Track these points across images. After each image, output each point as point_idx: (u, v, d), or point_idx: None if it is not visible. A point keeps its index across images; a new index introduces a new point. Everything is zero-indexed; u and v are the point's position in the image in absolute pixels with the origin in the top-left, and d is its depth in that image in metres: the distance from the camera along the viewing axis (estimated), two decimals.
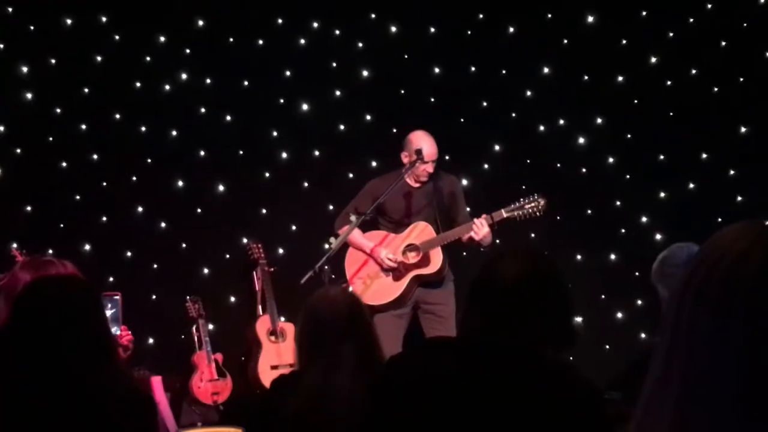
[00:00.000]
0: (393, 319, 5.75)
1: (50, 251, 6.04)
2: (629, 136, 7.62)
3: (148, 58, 7.24)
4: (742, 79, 7.60)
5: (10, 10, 7.00)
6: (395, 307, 5.77)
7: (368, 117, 7.40)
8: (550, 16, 7.57)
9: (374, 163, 7.24)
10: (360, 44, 7.52)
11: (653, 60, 7.63)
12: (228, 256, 7.29)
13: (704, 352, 1.15)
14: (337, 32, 7.49)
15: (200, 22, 7.33)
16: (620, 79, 7.63)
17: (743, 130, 7.62)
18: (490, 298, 2.37)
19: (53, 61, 7.09)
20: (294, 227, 7.37)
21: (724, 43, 7.61)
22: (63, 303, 2.42)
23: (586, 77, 7.62)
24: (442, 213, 5.82)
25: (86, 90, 7.13)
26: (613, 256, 7.57)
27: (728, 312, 1.14)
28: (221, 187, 7.33)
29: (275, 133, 7.43)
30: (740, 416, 1.13)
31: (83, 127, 7.14)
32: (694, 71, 7.64)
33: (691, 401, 1.15)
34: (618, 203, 7.64)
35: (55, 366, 2.37)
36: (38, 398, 2.35)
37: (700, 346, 1.15)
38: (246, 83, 7.38)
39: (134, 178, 7.19)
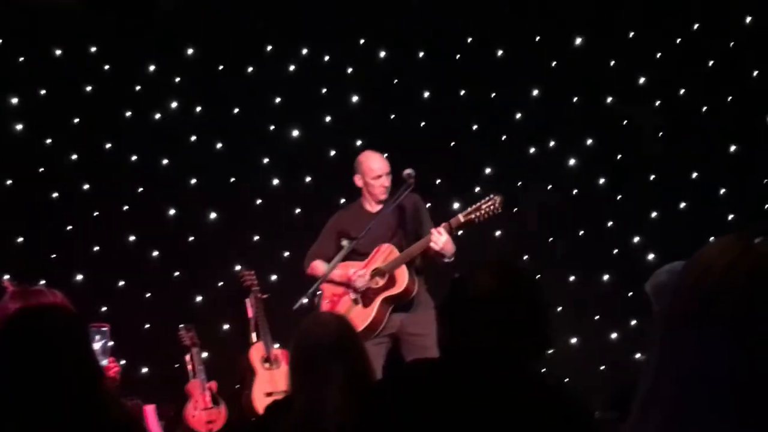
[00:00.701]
0: (371, 347, 5.56)
1: (42, 282, 6.01)
2: (619, 156, 7.64)
3: (137, 87, 7.24)
4: (730, 98, 7.63)
5: (0, 41, 7.01)
6: (369, 334, 5.55)
7: (359, 142, 7.40)
8: (538, 38, 7.60)
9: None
10: (349, 69, 7.54)
11: (642, 80, 7.66)
12: (221, 283, 7.27)
13: (694, 365, 1.14)
14: (327, 58, 7.51)
15: (189, 51, 7.35)
16: (609, 99, 7.66)
17: (733, 148, 7.65)
18: (465, 311, 2.36)
19: (43, 91, 7.10)
20: (287, 253, 7.35)
21: (711, 63, 7.65)
22: (48, 332, 2.40)
23: (575, 98, 7.64)
24: (408, 234, 5.71)
25: (76, 120, 7.14)
26: (606, 277, 7.57)
27: (716, 324, 1.13)
28: (213, 215, 7.32)
29: (266, 160, 7.44)
30: (731, 429, 1.12)
31: (74, 157, 7.15)
32: (682, 91, 7.67)
33: (681, 415, 1.14)
34: (610, 224, 7.65)
35: (41, 395, 2.35)
36: (25, 428, 2.33)
37: (689, 358, 1.15)
38: (236, 110, 7.39)
39: (125, 207, 7.18)
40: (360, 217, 5.77)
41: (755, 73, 7.64)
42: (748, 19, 7.61)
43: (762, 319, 1.12)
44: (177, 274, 7.23)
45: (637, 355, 7.20)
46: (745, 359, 1.12)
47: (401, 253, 5.61)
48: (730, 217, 7.53)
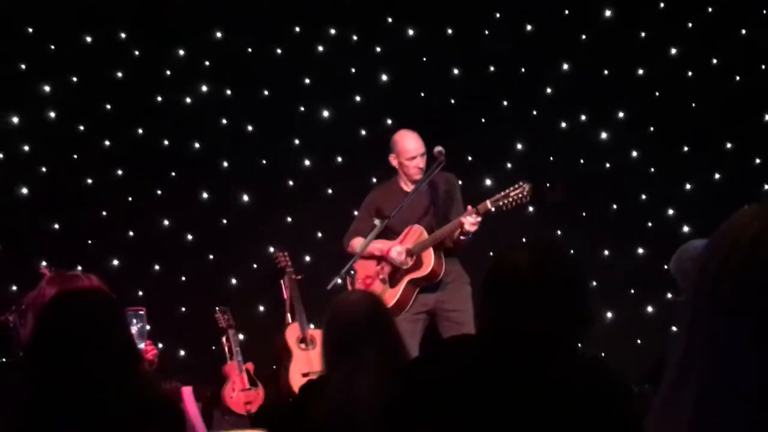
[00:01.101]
0: (407, 324, 5.58)
1: (79, 268, 6.07)
2: (652, 129, 7.58)
3: (168, 72, 7.28)
4: (764, 67, 7.54)
5: (30, 30, 7.06)
6: (395, 315, 5.42)
7: (389, 121, 7.39)
8: (567, 12, 7.54)
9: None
10: (378, 49, 7.52)
11: (673, 51, 7.59)
12: (255, 265, 7.31)
13: (724, 344, 1.12)
14: (355, 38, 7.50)
15: (218, 34, 7.36)
16: (641, 72, 7.59)
17: (767, 117, 7.56)
18: (505, 290, 2.36)
19: (74, 78, 7.15)
20: (319, 234, 7.38)
21: (744, 32, 7.56)
22: (85, 315, 2.43)
23: (606, 72, 7.58)
24: (438, 214, 5.71)
25: (108, 106, 7.18)
26: (640, 250, 7.53)
27: (747, 298, 1.10)
28: (245, 197, 7.35)
29: (297, 141, 7.45)
30: (762, 412, 1.10)
31: (106, 143, 7.19)
32: (715, 61, 7.59)
33: (711, 397, 1.12)
34: (643, 197, 7.60)
35: (80, 379, 2.37)
36: (64, 412, 2.36)
37: (718, 337, 1.12)
38: (266, 92, 7.41)
39: (159, 192, 7.23)
40: (396, 195, 5.77)
41: None
42: None
43: None
44: (211, 257, 7.28)
45: (674, 328, 7.16)
46: None
47: (430, 235, 5.63)
48: (766, 187, 7.45)
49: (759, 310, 1.09)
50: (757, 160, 7.57)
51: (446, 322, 5.67)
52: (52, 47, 7.11)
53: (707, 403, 1.12)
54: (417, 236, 5.70)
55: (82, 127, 7.15)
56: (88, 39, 7.17)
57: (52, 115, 7.11)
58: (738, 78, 7.56)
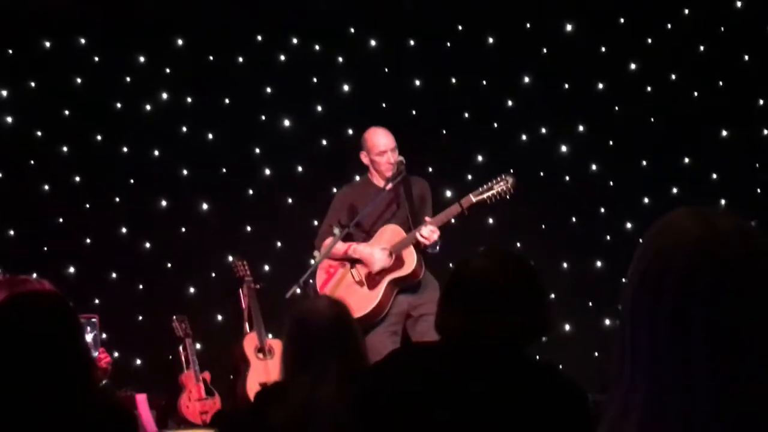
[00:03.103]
0: (390, 338, 5.51)
1: (34, 275, 6.00)
2: (611, 143, 7.65)
3: (128, 79, 7.23)
4: (721, 83, 7.63)
5: None
6: (375, 317, 5.51)
7: (350, 131, 7.39)
8: (528, 25, 7.59)
9: (357, 177, 7.21)
10: (340, 59, 7.53)
11: (633, 66, 7.66)
12: (213, 274, 7.27)
13: (669, 342, 1.14)
14: (317, 47, 7.50)
15: (179, 41, 7.33)
16: (600, 86, 7.66)
17: (724, 133, 7.65)
18: (463, 296, 2.38)
19: (33, 84, 7.09)
20: (279, 243, 7.36)
21: (702, 48, 7.65)
22: (36, 318, 2.39)
23: (566, 85, 7.64)
24: (414, 216, 5.62)
25: (67, 112, 7.12)
26: (599, 263, 7.58)
27: (691, 300, 1.13)
28: (205, 206, 7.32)
29: (257, 150, 7.43)
30: (710, 405, 1.11)
31: (65, 149, 7.14)
32: (673, 76, 7.67)
33: (658, 399, 1.14)
34: (602, 210, 7.66)
35: (30, 383, 2.34)
36: (12, 418, 2.32)
37: (664, 336, 1.14)
38: (227, 101, 7.38)
39: (117, 199, 7.17)
40: (369, 192, 5.66)
41: (746, 57, 7.63)
42: (738, 4, 7.60)
43: (737, 297, 1.12)
44: (169, 265, 7.23)
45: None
46: (722, 341, 1.12)
47: (408, 234, 5.53)
48: (722, 202, 7.53)
49: (702, 321, 1.12)
50: (714, 176, 7.65)
51: (417, 326, 5.55)
52: (10, 52, 7.04)
53: (650, 426, 1.13)
54: (392, 234, 5.60)
55: (39, 133, 7.09)
56: (47, 44, 7.11)
57: (9, 120, 7.03)
58: (696, 94, 7.65)
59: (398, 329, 5.62)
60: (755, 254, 1.15)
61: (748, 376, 1.11)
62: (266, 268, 7.27)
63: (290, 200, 7.42)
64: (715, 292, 1.12)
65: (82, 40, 7.18)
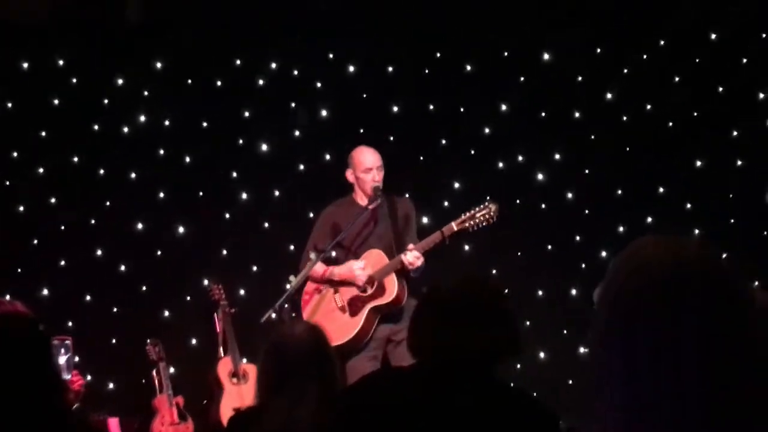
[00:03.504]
0: (370, 363, 5.49)
1: (7, 297, 5.96)
2: (587, 171, 7.69)
3: (106, 101, 7.22)
4: (695, 114, 7.70)
5: None
6: (356, 345, 5.50)
7: (327, 156, 7.41)
8: (506, 53, 7.64)
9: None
10: (319, 84, 7.55)
11: (609, 96, 7.72)
12: (188, 298, 7.24)
13: (645, 368, 1.16)
14: (296, 72, 7.52)
15: (158, 64, 7.33)
16: (577, 115, 7.71)
17: (698, 163, 7.71)
18: (433, 315, 2.43)
19: (10, 104, 7.06)
20: (255, 268, 7.34)
21: (677, 79, 7.72)
22: (6, 340, 2.37)
23: (543, 113, 7.68)
24: (398, 236, 5.59)
25: (44, 133, 7.10)
26: (574, 291, 7.60)
27: (665, 326, 1.16)
28: (181, 229, 7.30)
29: (234, 174, 7.42)
30: (688, 424, 1.13)
31: (41, 170, 7.10)
32: (649, 106, 7.73)
33: (635, 424, 1.15)
34: (578, 238, 7.69)
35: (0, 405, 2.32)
36: None
37: (639, 362, 1.16)
38: (205, 124, 7.38)
39: (93, 221, 7.14)
40: (353, 211, 5.64)
41: (720, 89, 7.71)
42: (713, 36, 7.68)
43: (702, 322, 1.16)
44: (144, 288, 7.20)
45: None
46: (695, 365, 1.15)
47: (390, 261, 5.51)
48: (696, 231, 7.58)
49: (671, 344, 1.15)
50: (689, 205, 7.70)
51: (398, 351, 5.50)
52: None
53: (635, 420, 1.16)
54: (375, 260, 5.58)
55: (15, 154, 7.06)
56: (26, 65, 7.10)
57: None
58: (671, 124, 7.71)
59: (378, 354, 5.60)
60: (719, 279, 1.19)
61: (724, 396, 1.14)
62: (242, 292, 7.25)
63: (267, 224, 7.41)
64: (682, 316, 1.15)
65: (60, 62, 7.16)
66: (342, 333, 5.47)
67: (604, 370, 1.19)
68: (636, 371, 1.16)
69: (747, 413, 1.13)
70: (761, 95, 7.64)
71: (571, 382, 7.35)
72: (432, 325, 2.43)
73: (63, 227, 7.08)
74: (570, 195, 7.71)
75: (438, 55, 7.63)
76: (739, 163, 7.74)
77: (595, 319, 1.22)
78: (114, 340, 7.08)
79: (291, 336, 3.27)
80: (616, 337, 1.18)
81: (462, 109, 7.64)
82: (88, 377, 6.51)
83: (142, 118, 7.29)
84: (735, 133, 7.72)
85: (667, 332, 1.15)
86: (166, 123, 7.34)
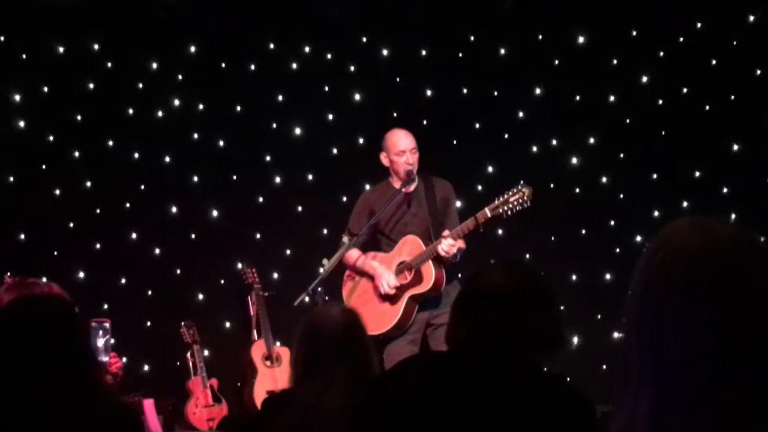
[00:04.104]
0: (408, 347, 5.50)
1: (44, 279, 6.01)
2: (622, 155, 7.63)
3: (140, 85, 7.25)
4: (733, 97, 7.62)
5: (2, 38, 7.02)
6: (397, 332, 5.50)
7: (361, 140, 7.41)
8: (540, 37, 7.59)
9: (367, 186, 7.21)
10: (352, 68, 7.54)
11: (644, 79, 7.65)
12: (222, 281, 7.27)
13: (675, 351, 1.15)
14: (329, 56, 7.51)
15: (192, 48, 7.35)
16: (612, 98, 7.65)
17: (735, 147, 7.63)
18: (476, 307, 2.38)
19: (45, 88, 7.11)
20: (288, 251, 7.36)
21: (714, 62, 7.63)
22: (42, 321, 2.39)
23: (578, 97, 7.63)
24: (435, 219, 5.57)
25: (79, 117, 7.14)
26: (608, 276, 7.56)
27: (696, 307, 1.15)
28: (215, 212, 7.32)
29: (268, 158, 7.43)
30: (719, 415, 1.12)
31: (76, 154, 7.15)
32: (685, 90, 7.66)
33: (666, 402, 1.14)
34: (612, 223, 7.64)
35: (35, 386, 2.34)
36: (19, 420, 2.32)
37: (670, 345, 1.15)
38: (239, 108, 7.40)
39: (128, 205, 7.18)
40: (388, 195, 5.62)
41: (758, 72, 7.62)
42: (751, 18, 7.59)
43: (737, 305, 1.14)
44: (178, 271, 7.24)
45: None
46: (728, 351, 1.13)
47: (426, 248, 5.48)
48: (733, 216, 7.51)
49: (706, 327, 1.14)
50: (725, 189, 7.63)
51: (437, 334, 5.50)
52: (24, 56, 7.06)
53: (664, 410, 1.15)
54: (411, 246, 5.56)
55: (51, 138, 7.11)
56: (61, 49, 7.14)
57: (22, 124, 7.06)
58: (707, 107, 7.64)
59: (418, 337, 5.60)
60: (756, 260, 1.17)
61: (753, 381, 1.12)
62: (275, 275, 7.27)
63: (300, 208, 7.42)
64: (718, 298, 1.14)
65: (96, 46, 7.20)
66: (383, 321, 5.50)
67: (635, 355, 1.18)
68: (666, 357, 1.15)
69: None
70: None
71: (604, 367, 7.32)
72: (473, 320, 2.37)
73: (98, 211, 7.13)
74: (604, 179, 7.66)
75: (472, 38, 7.59)
76: None
77: (628, 303, 1.22)
78: (149, 323, 7.12)
79: (326, 318, 3.27)
80: (648, 321, 1.18)
81: (496, 93, 7.61)
82: (123, 360, 6.56)
83: (176, 102, 7.32)
84: None
85: (698, 316, 1.14)
86: (200, 107, 7.36)
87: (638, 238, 7.56)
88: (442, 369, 2.37)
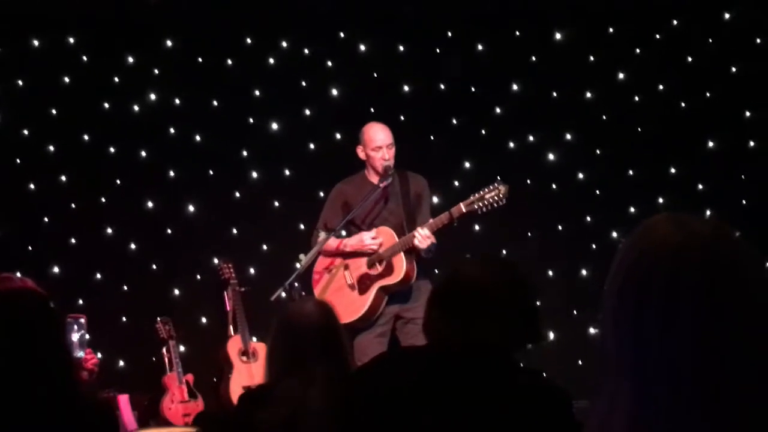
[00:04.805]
0: (377, 339, 5.51)
1: (18, 274, 5.97)
2: (599, 151, 7.66)
3: (116, 79, 7.21)
4: (708, 94, 7.66)
5: None
6: (364, 323, 5.53)
7: (338, 135, 7.40)
8: (518, 33, 7.60)
9: None
10: (330, 63, 7.52)
11: (621, 76, 7.68)
12: (199, 276, 7.25)
13: (655, 347, 1.15)
14: (307, 51, 7.49)
15: (169, 42, 7.32)
16: (589, 95, 7.67)
17: (711, 144, 7.67)
18: (452, 301, 2.38)
19: (20, 82, 7.06)
20: (265, 247, 7.34)
21: (690, 59, 7.67)
22: (15, 315, 2.37)
23: (555, 93, 7.65)
24: (408, 215, 5.57)
25: (54, 111, 7.09)
26: (584, 272, 7.59)
27: (675, 302, 1.15)
28: (191, 208, 7.30)
29: (245, 153, 7.41)
30: (697, 409, 1.12)
31: (51, 148, 7.10)
32: (661, 87, 7.69)
33: (644, 397, 1.15)
34: (589, 219, 7.67)
35: (8, 378, 2.32)
36: None
37: (649, 341, 1.16)
38: (215, 103, 7.37)
39: (103, 199, 7.15)
40: (364, 189, 5.62)
41: (733, 69, 7.67)
42: (727, 15, 7.63)
43: (718, 299, 1.15)
44: (155, 266, 7.21)
45: None
46: (708, 345, 1.14)
47: (399, 240, 5.49)
48: (708, 212, 7.55)
49: (687, 321, 1.14)
50: (701, 186, 7.68)
51: (406, 330, 5.52)
52: None
53: (643, 401, 1.15)
54: (386, 239, 5.56)
55: (26, 132, 7.06)
56: (36, 43, 7.09)
57: None
58: (683, 104, 7.68)
59: (386, 330, 5.61)
60: (733, 255, 1.18)
61: (734, 374, 1.13)
62: (252, 271, 7.26)
63: (277, 203, 7.40)
64: (697, 293, 1.15)
65: (71, 39, 7.15)
66: (351, 311, 5.49)
67: (613, 349, 1.18)
68: (645, 351, 1.16)
69: (757, 397, 1.13)
70: None
71: (581, 362, 7.35)
72: (450, 312, 2.37)
73: (73, 205, 7.08)
74: (581, 175, 7.69)
75: (449, 34, 7.59)
76: (752, 144, 7.71)
77: (605, 298, 1.22)
78: (124, 318, 7.09)
79: (300, 313, 3.27)
80: (626, 316, 1.18)
81: (473, 89, 7.61)
82: (99, 355, 6.53)
83: (153, 97, 7.28)
84: (748, 114, 7.68)
85: (677, 310, 1.15)
86: (177, 102, 7.32)
87: (614, 234, 7.59)
88: (422, 365, 2.38)
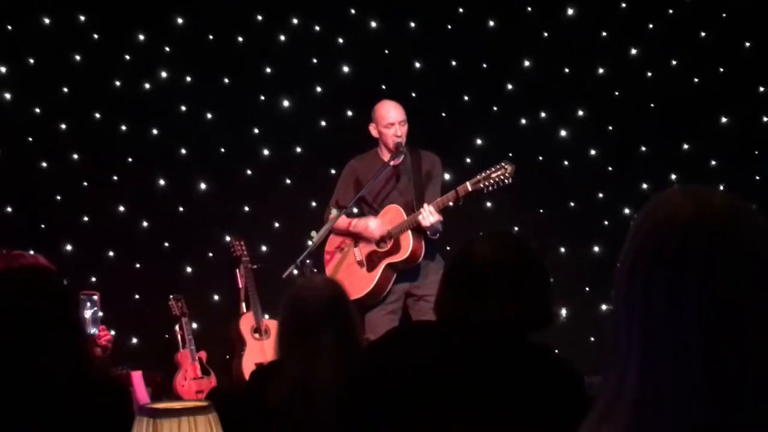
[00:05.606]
0: (388, 316, 5.54)
1: (31, 251, 5.99)
2: (611, 128, 7.64)
3: (127, 57, 7.20)
4: (722, 70, 7.62)
5: None
6: (373, 300, 5.54)
7: (349, 113, 7.38)
8: (530, 9, 7.57)
9: None
10: (340, 40, 7.50)
11: (633, 52, 7.64)
12: (211, 254, 7.26)
13: (663, 320, 1.14)
14: (317, 28, 7.47)
15: (179, 20, 7.30)
16: (601, 71, 7.64)
17: (724, 120, 7.64)
18: (465, 280, 2.37)
19: (32, 60, 7.05)
20: (276, 224, 7.35)
21: (703, 34, 7.63)
22: (28, 291, 2.38)
23: (567, 70, 7.62)
24: (418, 192, 5.57)
25: (65, 89, 7.09)
26: (596, 249, 7.58)
27: (683, 272, 1.14)
28: (203, 185, 7.30)
29: (256, 130, 7.41)
30: (705, 384, 1.12)
31: (63, 126, 7.11)
32: (674, 62, 7.66)
33: (653, 373, 1.14)
34: (601, 195, 7.65)
35: (21, 355, 2.33)
36: (5, 390, 2.31)
37: (658, 313, 1.15)
38: (226, 80, 7.36)
39: (115, 178, 7.15)
40: (376, 166, 5.62)
41: (747, 44, 7.62)
42: None
43: (730, 272, 1.14)
44: (167, 244, 7.22)
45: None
46: (717, 319, 1.13)
47: (407, 218, 5.51)
48: (721, 188, 7.52)
49: (697, 296, 1.13)
50: (713, 162, 7.65)
51: (419, 302, 5.54)
52: (9, 27, 7.00)
53: (652, 377, 1.14)
54: (393, 217, 5.58)
55: (38, 110, 7.06)
56: (47, 21, 7.08)
57: (8, 96, 7.00)
58: (696, 80, 7.64)
59: (397, 307, 5.63)
60: (747, 228, 1.17)
61: (744, 348, 1.12)
62: (263, 248, 7.27)
63: (288, 181, 7.41)
64: (708, 266, 1.14)
65: (82, 18, 7.14)
66: (359, 287, 5.51)
67: (626, 324, 1.17)
68: (655, 326, 1.15)
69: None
70: None
71: (592, 339, 7.35)
72: (463, 291, 2.36)
73: (85, 183, 7.09)
74: (593, 152, 7.67)
75: (461, 10, 7.56)
76: (765, 119, 7.67)
77: (618, 273, 1.21)
78: (137, 296, 7.11)
79: (309, 289, 3.28)
80: (636, 287, 1.17)
81: (484, 65, 7.59)
82: (112, 332, 6.56)
83: (164, 75, 7.27)
84: (761, 89, 7.64)
85: (693, 283, 1.13)
86: (188, 79, 7.32)
87: (626, 211, 7.58)
88: (434, 341, 2.37)
